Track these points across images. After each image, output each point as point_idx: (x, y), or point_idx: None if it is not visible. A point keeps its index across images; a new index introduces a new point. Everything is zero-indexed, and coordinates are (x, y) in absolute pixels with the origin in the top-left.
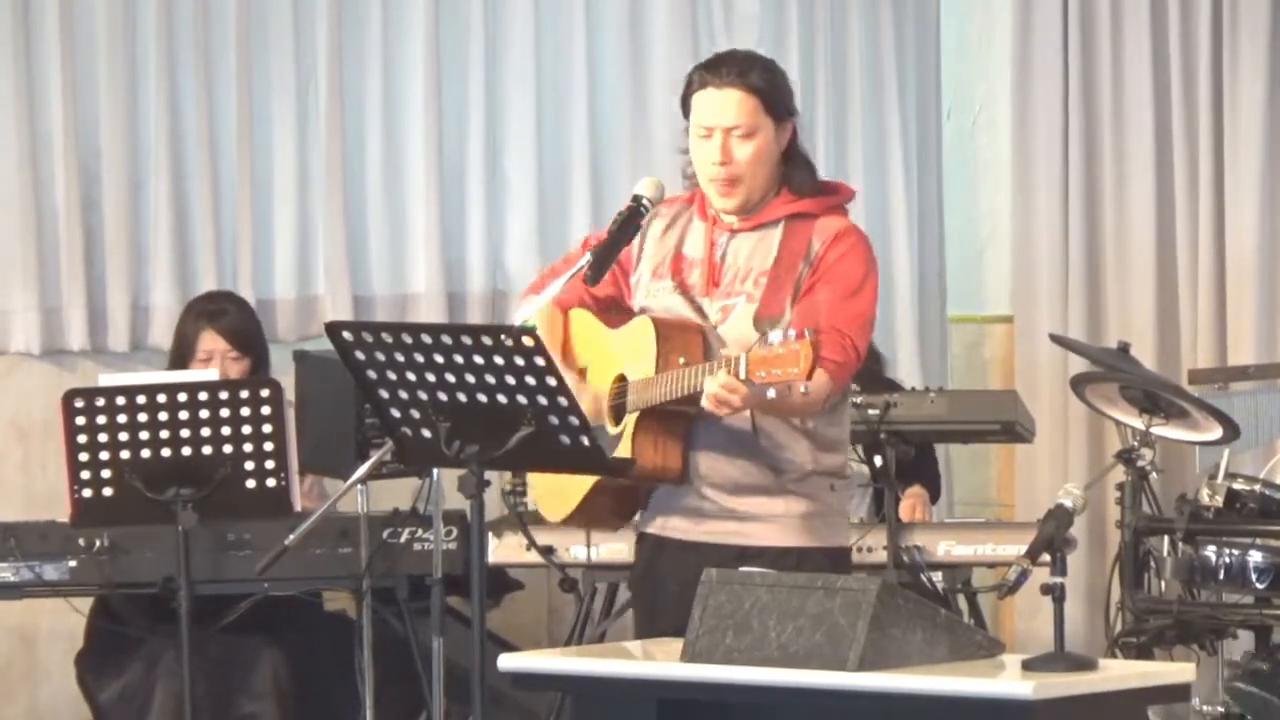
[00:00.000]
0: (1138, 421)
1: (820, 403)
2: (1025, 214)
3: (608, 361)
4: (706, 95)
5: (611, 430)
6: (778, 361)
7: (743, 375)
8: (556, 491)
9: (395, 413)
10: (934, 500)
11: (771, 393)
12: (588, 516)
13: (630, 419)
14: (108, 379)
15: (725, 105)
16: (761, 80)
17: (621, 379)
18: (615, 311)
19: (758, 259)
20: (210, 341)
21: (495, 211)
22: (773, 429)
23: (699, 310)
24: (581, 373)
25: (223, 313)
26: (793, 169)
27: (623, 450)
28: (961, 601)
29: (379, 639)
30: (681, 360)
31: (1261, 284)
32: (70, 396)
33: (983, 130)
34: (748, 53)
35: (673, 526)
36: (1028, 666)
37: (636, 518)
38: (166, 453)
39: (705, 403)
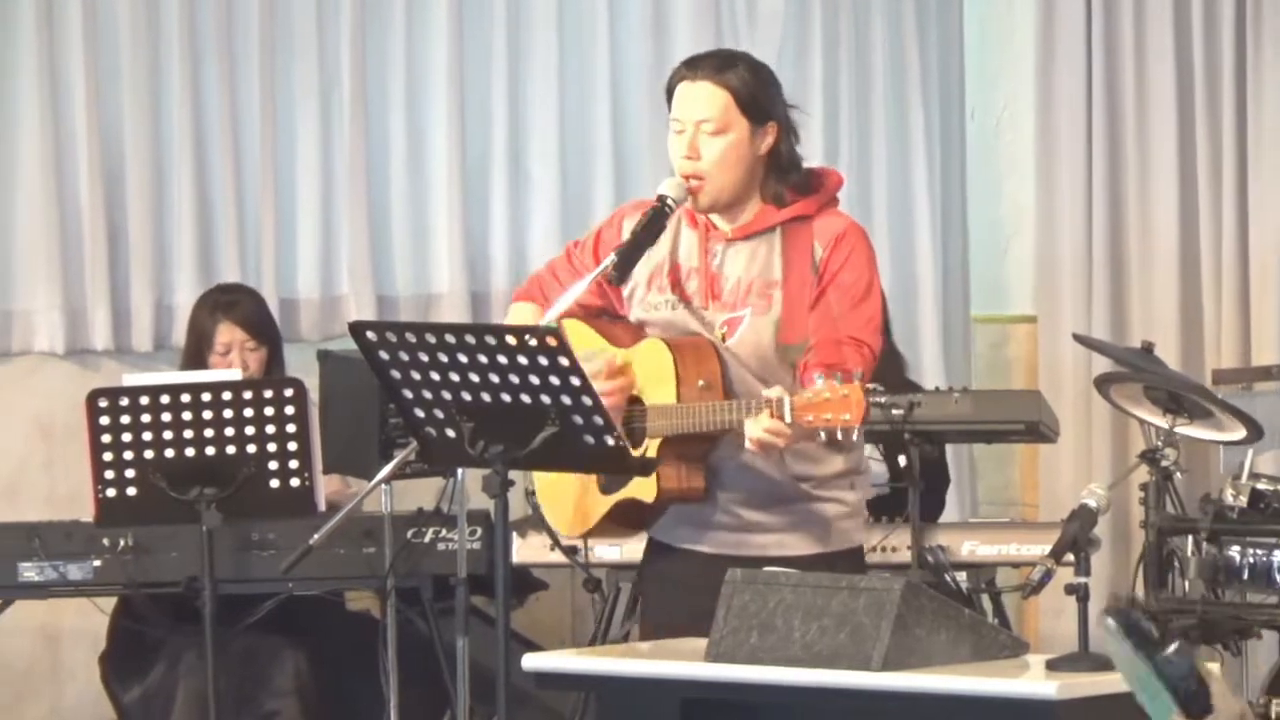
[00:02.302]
0: (1162, 421)
1: None
2: (1049, 213)
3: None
4: (681, 89)
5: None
6: (827, 406)
7: (788, 419)
8: (560, 507)
9: (419, 413)
10: (938, 511)
11: (823, 435)
12: (603, 533)
13: (652, 444)
14: (131, 379)
15: (695, 99)
16: (739, 79)
17: (635, 401)
18: (609, 320)
19: (760, 270)
20: (228, 334)
21: (518, 211)
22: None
23: (704, 324)
24: None
25: (237, 303)
26: (773, 177)
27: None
28: (985, 601)
29: (402, 639)
30: (701, 383)
31: None
32: (94, 396)
33: (1006, 129)
34: (734, 51)
35: (710, 540)
36: (1052, 666)
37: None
38: (190, 452)
39: (749, 445)
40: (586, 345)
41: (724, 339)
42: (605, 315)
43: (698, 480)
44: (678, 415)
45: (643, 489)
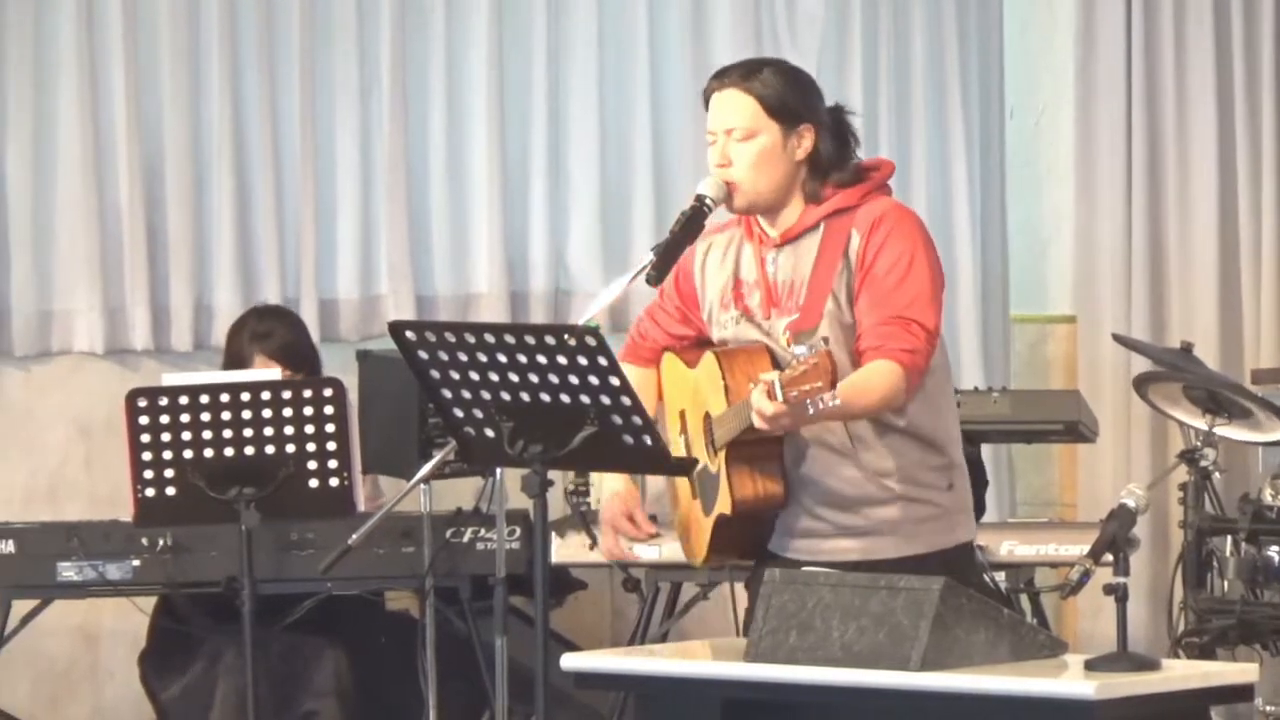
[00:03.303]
0: (1200, 421)
1: (899, 394)
2: (1088, 214)
3: (696, 402)
4: (712, 100)
5: (712, 469)
6: (804, 379)
7: (780, 397)
8: (686, 539)
9: (458, 412)
10: (979, 512)
11: (811, 408)
12: (723, 555)
13: (722, 456)
14: (171, 378)
15: (723, 107)
16: (764, 84)
17: (708, 417)
18: (702, 347)
19: (803, 270)
20: (262, 364)
21: (558, 211)
22: (867, 434)
23: (767, 335)
24: (681, 415)
25: (271, 334)
26: (813, 179)
27: (724, 487)
28: (1024, 601)
29: (441, 638)
30: (751, 386)
31: None
32: (133, 396)
33: (1046, 130)
34: (764, 58)
35: (796, 548)
36: (1090, 666)
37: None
38: (229, 452)
39: (756, 423)
40: (675, 378)
41: (789, 344)
42: (703, 344)
43: (774, 486)
44: (725, 421)
45: (723, 503)
